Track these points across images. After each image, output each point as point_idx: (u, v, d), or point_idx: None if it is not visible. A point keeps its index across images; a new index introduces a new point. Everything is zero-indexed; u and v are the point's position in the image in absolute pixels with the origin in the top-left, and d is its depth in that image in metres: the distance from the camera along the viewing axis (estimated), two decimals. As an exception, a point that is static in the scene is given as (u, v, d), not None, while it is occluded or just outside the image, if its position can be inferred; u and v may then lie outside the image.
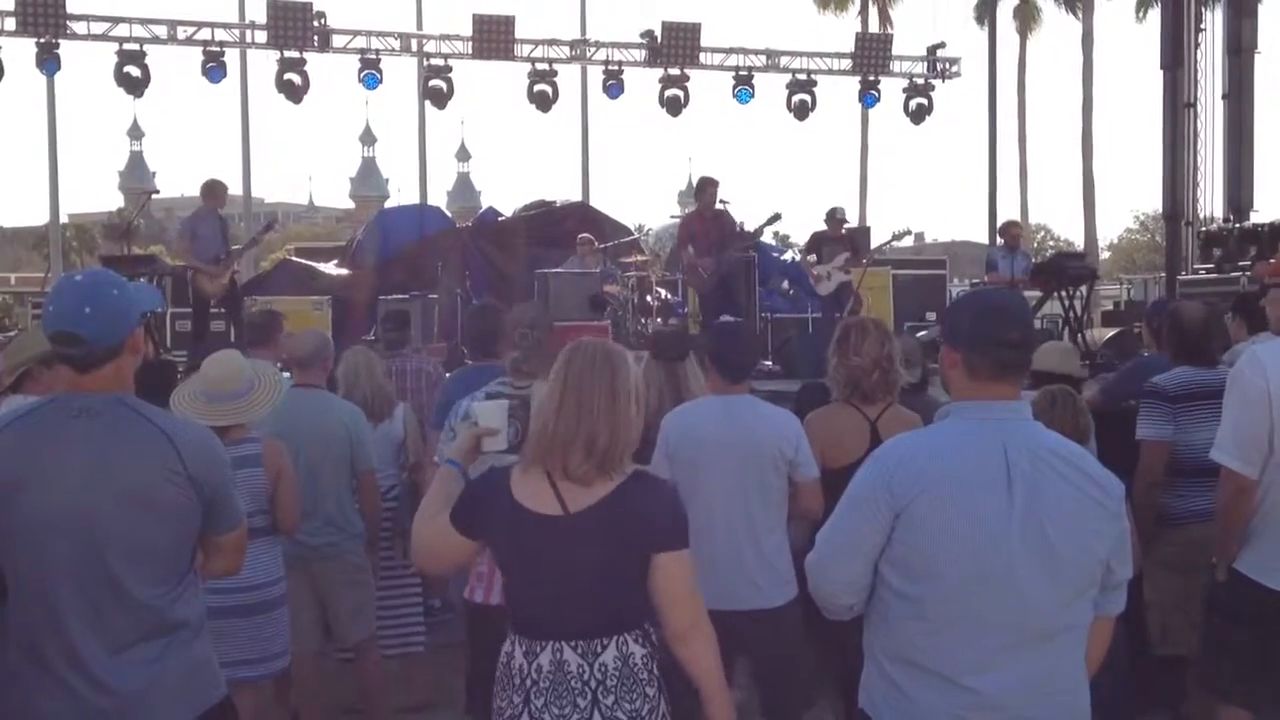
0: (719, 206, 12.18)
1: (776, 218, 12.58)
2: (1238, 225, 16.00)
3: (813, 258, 12.70)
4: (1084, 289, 12.93)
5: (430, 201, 23.52)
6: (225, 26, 16.89)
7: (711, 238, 12.02)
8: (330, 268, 16.10)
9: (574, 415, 2.83)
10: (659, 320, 13.29)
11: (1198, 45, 18.00)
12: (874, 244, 13.66)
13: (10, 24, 15.19)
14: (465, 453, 3.15)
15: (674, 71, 17.60)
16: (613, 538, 2.80)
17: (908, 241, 14.54)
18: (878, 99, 18.81)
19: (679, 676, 2.92)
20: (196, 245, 11.34)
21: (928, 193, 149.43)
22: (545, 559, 2.83)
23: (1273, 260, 12.82)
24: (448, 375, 6.94)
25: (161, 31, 16.11)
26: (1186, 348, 5.08)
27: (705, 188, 12.31)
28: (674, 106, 17.74)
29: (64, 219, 37.64)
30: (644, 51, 17.62)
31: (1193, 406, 4.82)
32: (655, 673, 2.87)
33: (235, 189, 13.68)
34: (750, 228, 12.65)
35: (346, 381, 5.96)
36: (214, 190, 11.63)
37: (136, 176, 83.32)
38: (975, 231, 57.09)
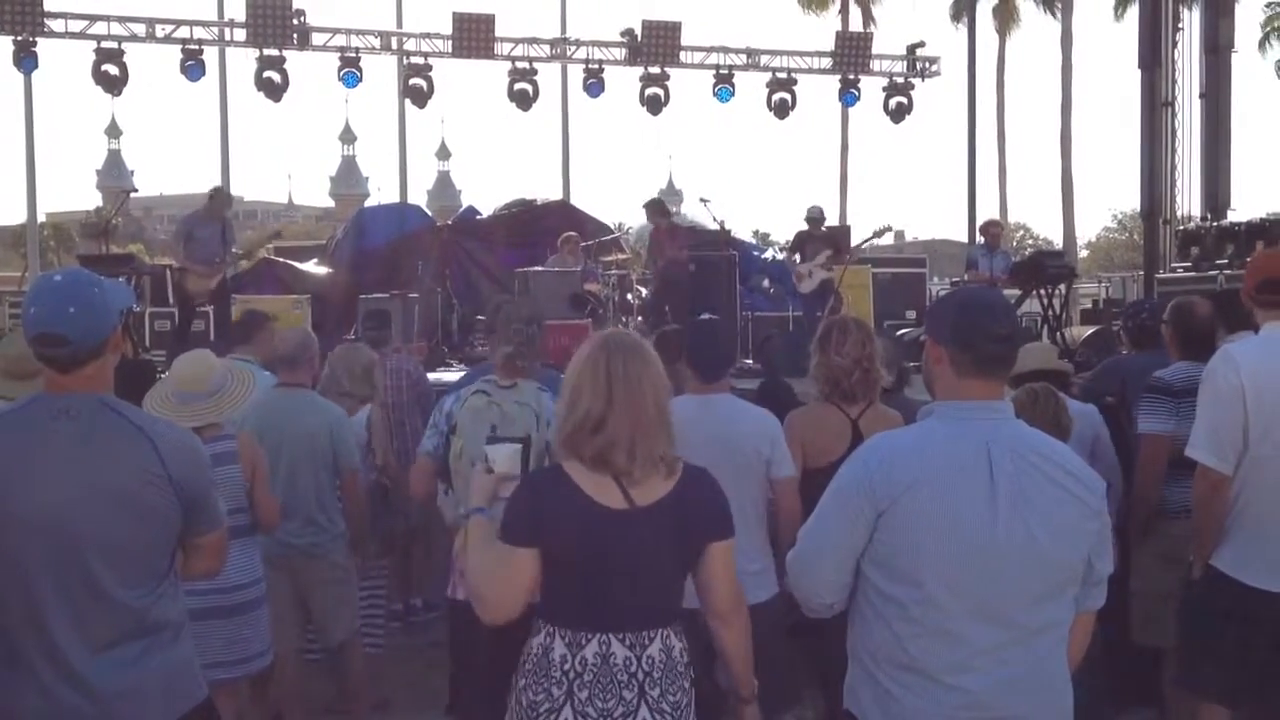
0: (675, 220, 13.39)
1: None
2: (1215, 224, 16.05)
3: (796, 257, 12.80)
4: (1063, 287, 13.00)
5: (410, 200, 23.54)
6: (204, 24, 16.82)
7: (666, 247, 13.03)
8: (310, 266, 16.04)
9: (627, 416, 2.84)
10: (639, 319, 13.32)
11: (1175, 44, 18.06)
12: (854, 241, 13.72)
13: (-13, 22, 15.09)
14: (487, 498, 3.17)
15: (654, 70, 17.61)
16: (677, 530, 2.87)
17: (888, 239, 14.59)
18: (857, 98, 18.87)
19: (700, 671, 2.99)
20: (190, 246, 11.29)
21: (907, 191, 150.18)
22: (609, 553, 2.83)
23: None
24: (431, 376, 6.91)
25: (140, 29, 16.03)
26: (1194, 343, 5.09)
27: (650, 211, 13.48)
28: (654, 105, 17.76)
29: (41, 218, 37.36)
30: (624, 50, 17.63)
31: (1193, 401, 4.84)
32: (689, 664, 2.93)
33: (231, 200, 13.66)
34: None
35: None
36: (218, 198, 11.75)
37: (114, 175, 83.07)
38: (955, 230, 57.21)
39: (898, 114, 18.74)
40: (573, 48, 17.91)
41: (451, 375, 10.56)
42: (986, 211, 24.43)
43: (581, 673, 2.81)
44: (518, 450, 3.28)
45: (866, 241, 13.06)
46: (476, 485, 3.20)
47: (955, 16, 36.72)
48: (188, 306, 11.63)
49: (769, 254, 18.33)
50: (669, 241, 13.09)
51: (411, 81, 17.24)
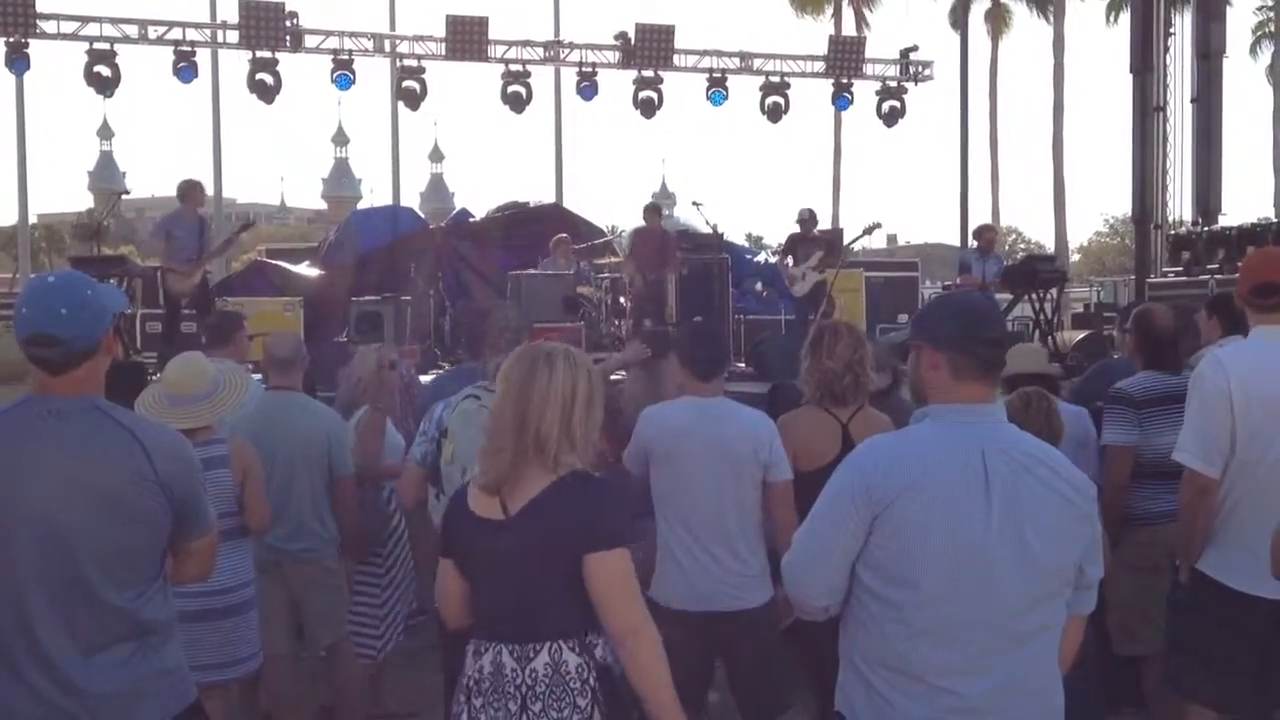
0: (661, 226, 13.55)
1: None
2: (1206, 228, 16.11)
3: (789, 259, 12.84)
4: (1054, 291, 13.03)
5: (403, 202, 23.50)
6: (196, 26, 16.80)
7: (650, 253, 13.01)
8: (302, 269, 16.00)
9: (498, 427, 2.90)
10: (631, 322, 13.36)
11: (1167, 49, 18.12)
12: (846, 241, 13.78)
13: (-21, 23, 15.04)
14: None
15: (648, 73, 17.62)
16: (544, 539, 2.82)
17: (880, 240, 14.64)
18: (850, 101, 18.90)
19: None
20: (170, 246, 11.24)
21: (900, 195, 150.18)
22: (487, 562, 2.88)
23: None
24: (424, 379, 6.86)
25: (132, 31, 16.00)
26: (1156, 352, 5.10)
27: (646, 213, 13.60)
28: (648, 108, 17.77)
29: (33, 219, 37.44)
30: (618, 53, 17.64)
31: (1158, 411, 4.85)
32: (591, 684, 2.83)
33: (207, 189, 13.61)
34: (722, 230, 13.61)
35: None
36: (189, 191, 11.56)
37: (106, 177, 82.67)
38: (947, 234, 57.38)
39: (890, 118, 18.77)
40: (566, 50, 17.92)
41: (443, 378, 10.53)
42: (979, 215, 24.51)
43: (481, 681, 2.88)
44: None
45: (856, 239, 13.11)
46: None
47: (954, 23, 36.81)
48: (174, 307, 11.59)
49: (761, 257, 18.36)
50: (664, 248, 13.13)
51: (404, 84, 17.25)
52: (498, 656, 2.86)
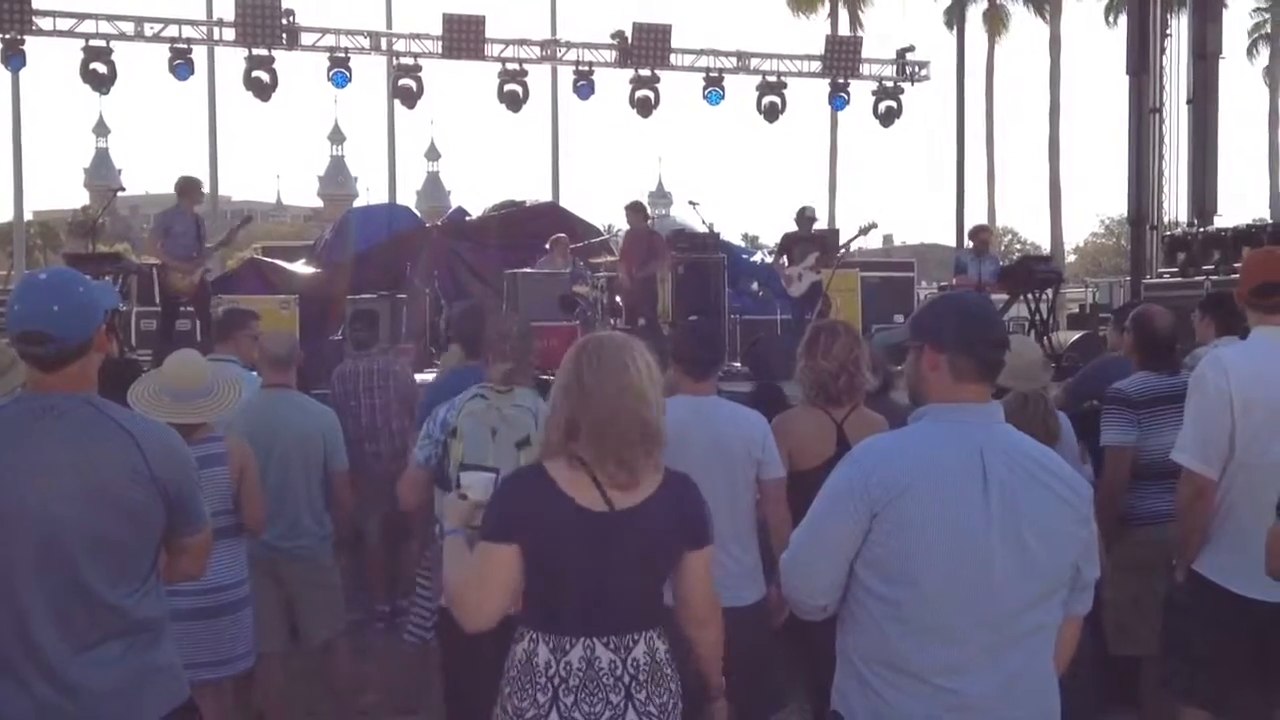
0: (649, 225, 13.38)
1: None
2: (1202, 229, 16.14)
3: (784, 259, 12.83)
4: (1050, 292, 13.05)
5: (399, 201, 23.58)
6: (193, 23, 16.81)
7: (641, 254, 12.75)
8: (298, 267, 15.97)
9: (601, 420, 2.83)
10: (624, 321, 13.34)
11: (1164, 50, 18.14)
12: (842, 241, 13.75)
13: (-26, 20, 15.02)
14: (462, 523, 3.14)
15: (644, 72, 17.64)
16: (655, 535, 2.87)
17: (876, 240, 14.62)
18: (847, 101, 18.93)
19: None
20: (169, 242, 11.18)
21: (896, 195, 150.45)
22: (588, 555, 2.82)
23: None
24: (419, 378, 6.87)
25: (128, 28, 16.00)
26: (1155, 353, 5.09)
27: (630, 213, 13.22)
28: (644, 107, 17.79)
29: (29, 216, 37.35)
30: (614, 52, 17.66)
31: (1155, 411, 4.85)
32: (675, 668, 2.94)
33: (203, 187, 13.57)
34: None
35: None
36: (187, 189, 11.49)
37: (102, 174, 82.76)
38: (943, 234, 57.48)
39: (887, 118, 18.81)
40: (563, 49, 17.93)
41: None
42: (975, 216, 24.54)
43: (567, 677, 2.81)
44: (492, 479, 3.28)
45: (853, 239, 13.08)
46: (451, 510, 3.18)
47: (949, 23, 36.86)
48: (171, 305, 11.55)
49: (758, 257, 18.36)
50: (651, 245, 13.08)
51: (401, 82, 17.25)
52: (589, 651, 2.82)
